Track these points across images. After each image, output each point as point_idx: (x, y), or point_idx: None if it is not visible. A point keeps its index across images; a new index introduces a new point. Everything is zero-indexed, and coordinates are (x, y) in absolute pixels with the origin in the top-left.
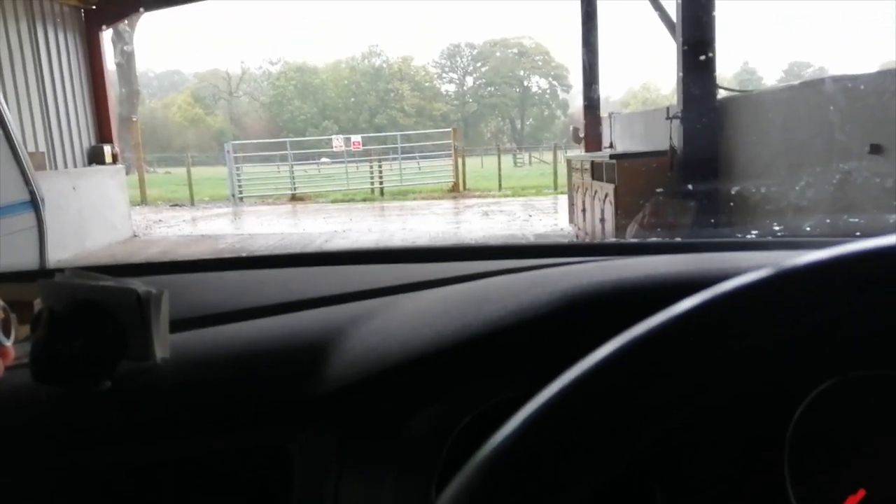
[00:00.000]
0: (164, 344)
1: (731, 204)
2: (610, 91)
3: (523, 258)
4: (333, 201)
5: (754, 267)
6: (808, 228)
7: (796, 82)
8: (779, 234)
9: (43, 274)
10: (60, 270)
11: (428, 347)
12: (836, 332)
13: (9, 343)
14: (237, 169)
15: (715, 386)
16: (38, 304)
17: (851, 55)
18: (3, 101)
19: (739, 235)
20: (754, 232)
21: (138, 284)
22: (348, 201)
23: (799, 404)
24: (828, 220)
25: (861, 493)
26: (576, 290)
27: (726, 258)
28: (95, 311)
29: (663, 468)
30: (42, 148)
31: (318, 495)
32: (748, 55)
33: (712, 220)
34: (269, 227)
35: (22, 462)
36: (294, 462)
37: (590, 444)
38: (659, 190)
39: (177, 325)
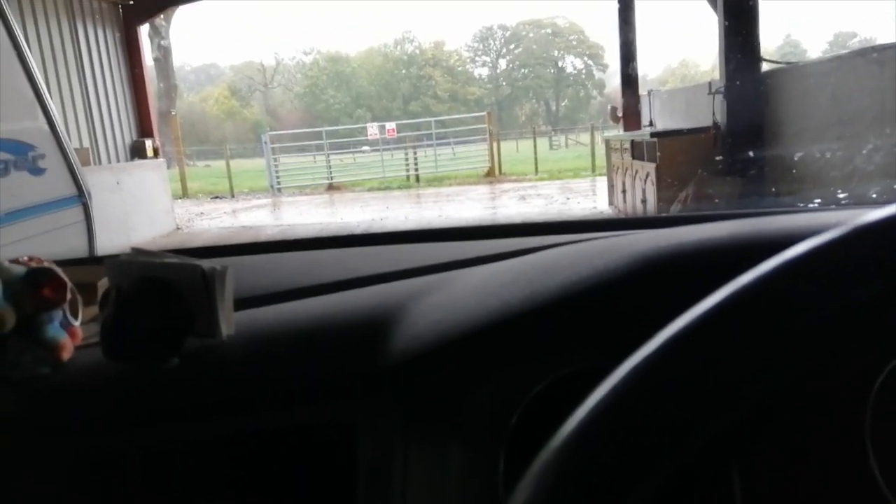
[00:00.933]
0: (229, 321)
1: (778, 178)
2: (647, 69)
3: (580, 232)
4: (370, 190)
5: (818, 227)
6: (857, 196)
7: (845, 52)
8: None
9: (108, 256)
10: (124, 253)
11: (494, 317)
12: None
13: (77, 323)
14: (274, 160)
15: (800, 354)
16: (101, 286)
17: None
18: (49, 99)
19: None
20: (802, 203)
21: (204, 262)
22: (384, 189)
23: (881, 372)
24: (878, 189)
25: None
26: (646, 256)
27: (786, 220)
28: (162, 289)
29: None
30: (86, 144)
31: (385, 469)
32: (791, 28)
33: (758, 196)
34: (308, 216)
35: (94, 439)
36: (360, 436)
37: (669, 428)
38: (701, 168)
39: (239, 304)
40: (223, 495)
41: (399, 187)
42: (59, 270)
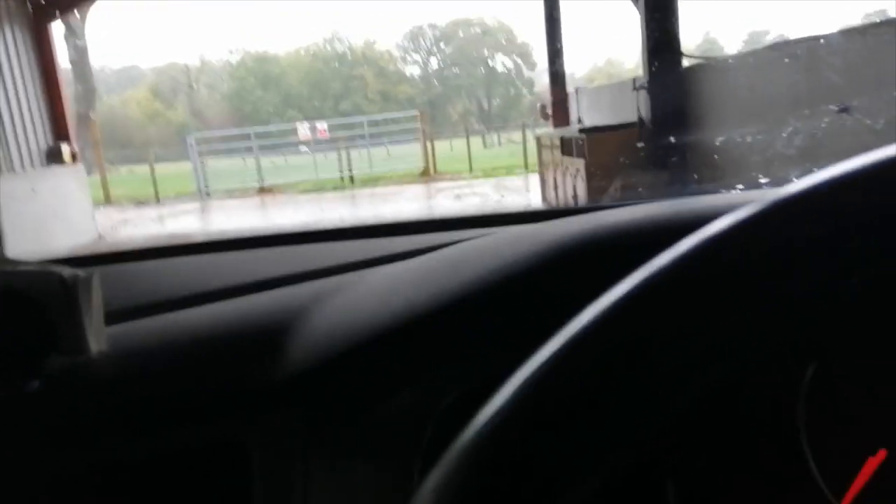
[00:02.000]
0: (99, 335)
1: (701, 166)
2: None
3: (490, 226)
4: (303, 192)
5: (734, 206)
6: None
7: (761, 47)
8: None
9: None
10: None
11: (399, 320)
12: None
13: None
14: (202, 163)
15: (720, 334)
16: None
17: (808, 21)
18: None
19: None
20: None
21: (64, 269)
22: (318, 191)
23: (813, 360)
24: (796, 172)
25: (882, 453)
26: (559, 243)
27: (705, 201)
28: (16, 300)
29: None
30: None
31: (283, 490)
32: (709, 26)
33: (683, 184)
34: (239, 221)
35: None
36: (254, 458)
37: (579, 423)
38: (629, 162)
39: (117, 316)
40: None
41: (334, 188)
42: None
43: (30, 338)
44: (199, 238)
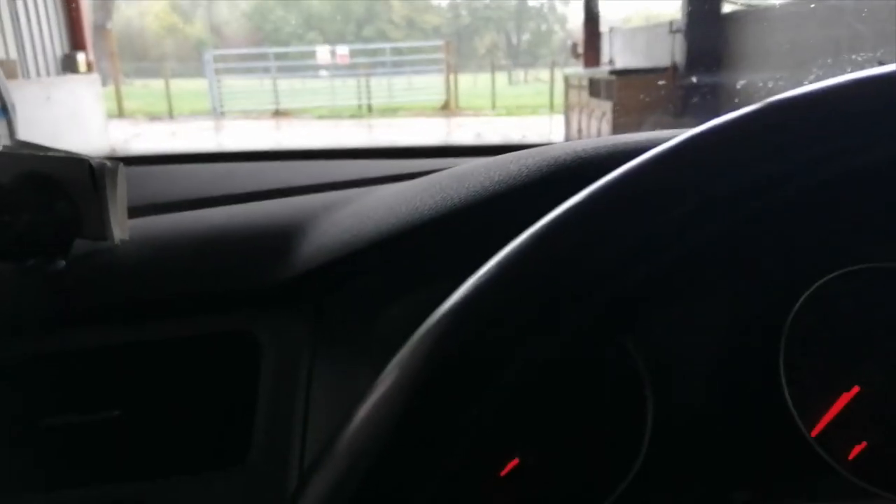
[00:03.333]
0: (122, 224)
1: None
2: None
3: (491, 155)
4: (319, 117)
5: None
6: None
7: None
8: None
9: None
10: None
11: (405, 224)
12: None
13: None
14: (218, 81)
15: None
16: None
17: None
18: None
19: None
20: None
21: (91, 157)
22: (334, 118)
23: (799, 297)
24: None
25: (855, 389)
26: (547, 165)
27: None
28: (45, 184)
29: (652, 354)
30: (13, 56)
31: (289, 384)
32: None
33: None
34: (252, 143)
35: None
36: (263, 349)
37: (554, 293)
38: (658, 108)
39: (138, 211)
40: (115, 406)
41: (351, 116)
42: None
43: (58, 220)
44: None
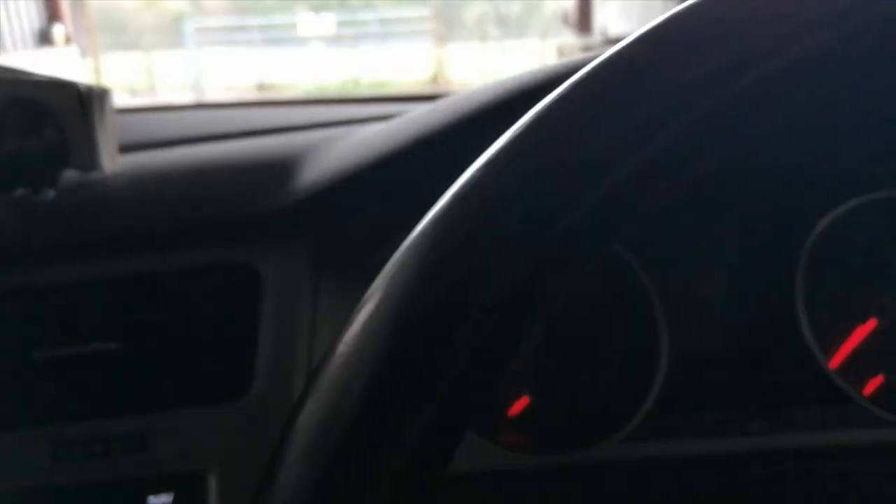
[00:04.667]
0: (112, 155)
1: None
2: None
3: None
4: (304, 92)
5: None
6: None
7: None
8: None
9: None
10: None
11: (406, 146)
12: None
13: None
14: (199, 53)
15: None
16: None
17: None
18: None
19: None
20: None
21: (80, 82)
22: (320, 90)
23: (815, 226)
24: None
25: (872, 321)
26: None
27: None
28: (32, 108)
29: (665, 285)
30: None
31: (291, 315)
32: None
33: None
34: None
35: None
36: (264, 279)
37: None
38: None
39: (131, 148)
40: (111, 337)
41: (338, 89)
42: None
43: (45, 147)
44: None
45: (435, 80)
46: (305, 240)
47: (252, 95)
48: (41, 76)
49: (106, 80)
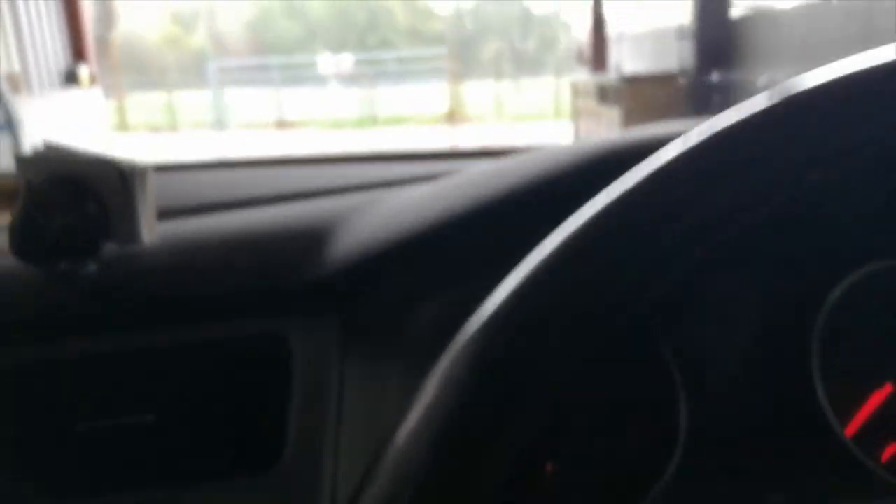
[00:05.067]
0: (151, 226)
1: None
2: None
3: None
4: (323, 128)
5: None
6: None
7: (814, 1)
8: None
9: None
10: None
11: (435, 226)
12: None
13: None
14: (221, 92)
15: (726, 223)
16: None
17: None
18: None
19: None
20: None
21: (121, 159)
22: (338, 128)
23: (831, 291)
24: None
25: (888, 387)
26: (596, 151)
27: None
28: (76, 186)
29: (683, 354)
30: (16, 69)
31: (320, 385)
32: None
33: None
34: (257, 154)
35: (5, 348)
36: (294, 351)
37: (593, 296)
38: (668, 115)
39: (166, 214)
40: (147, 409)
41: (355, 127)
42: None
43: (87, 223)
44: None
45: (451, 116)
46: (335, 310)
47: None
48: (85, 154)
49: (129, 119)
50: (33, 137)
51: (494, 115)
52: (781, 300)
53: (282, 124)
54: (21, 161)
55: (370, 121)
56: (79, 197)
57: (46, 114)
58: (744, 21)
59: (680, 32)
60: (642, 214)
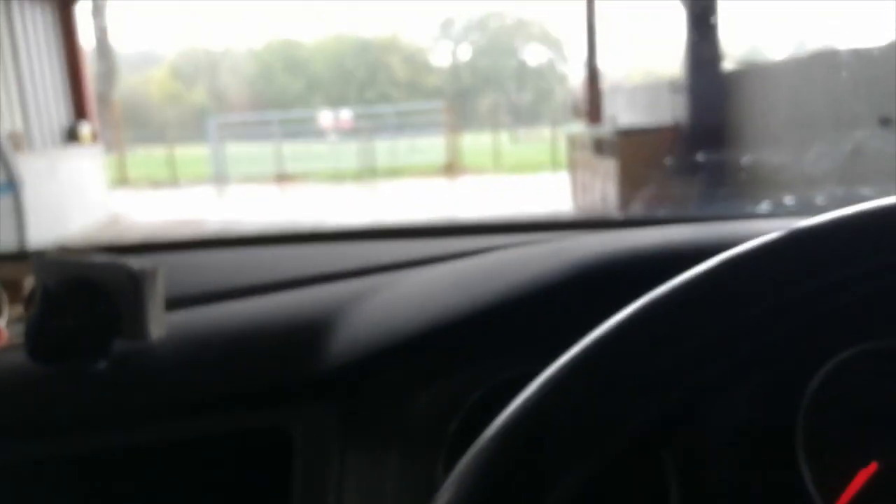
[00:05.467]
0: (159, 322)
1: (739, 177)
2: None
3: (527, 233)
4: (322, 181)
5: (767, 233)
6: (818, 201)
7: (804, 54)
8: (788, 205)
9: (35, 252)
10: (51, 249)
11: (435, 322)
12: (858, 295)
13: (2, 324)
14: (221, 147)
15: (730, 349)
16: (28, 284)
17: (861, 37)
18: None
19: (749, 209)
20: (764, 204)
21: (132, 262)
22: (338, 181)
23: (815, 373)
24: (838, 192)
25: (873, 466)
26: (586, 261)
27: (738, 227)
28: (89, 289)
29: (672, 436)
30: (19, 126)
31: (320, 477)
32: (755, 38)
33: (719, 195)
34: (257, 211)
35: (16, 444)
36: (295, 443)
37: (602, 415)
38: (663, 167)
39: (171, 304)
40: (151, 502)
41: (354, 179)
42: None
43: (99, 323)
44: (214, 225)
45: (449, 168)
46: (336, 402)
47: (272, 188)
48: (98, 260)
49: (130, 174)
50: (34, 196)
51: (492, 166)
52: (766, 383)
53: (282, 178)
54: (37, 263)
55: (369, 173)
56: (91, 299)
57: (47, 171)
58: (735, 74)
59: (673, 85)
60: (659, 332)
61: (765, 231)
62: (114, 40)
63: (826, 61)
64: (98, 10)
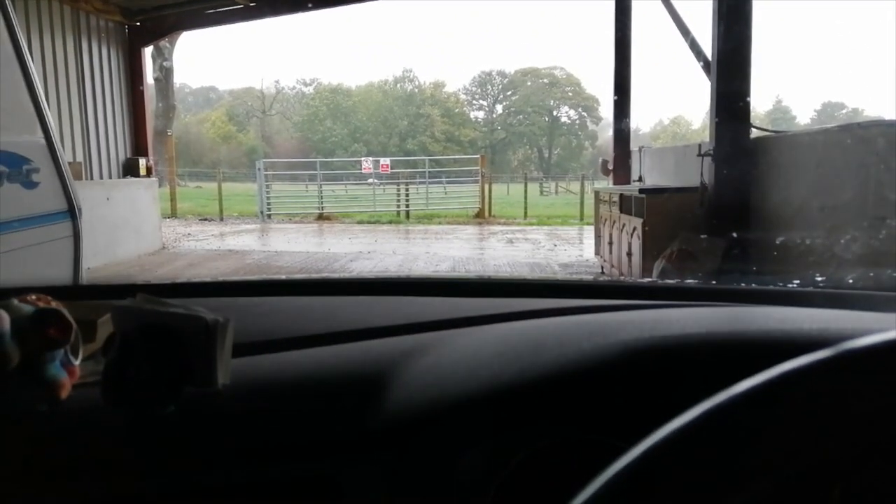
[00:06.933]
0: (225, 370)
1: (762, 245)
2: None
3: (576, 297)
4: (359, 222)
5: (805, 329)
6: (850, 281)
7: (833, 125)
8: (820, 285)
9: (113, 292)
10: (131, 292)
11: (483, 387)
12: None
13: (77, 362)
14: (267, 186)
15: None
16: (101, 324)
17: (886, 99)
18: (48, 113)
19: (775, 285)
20: (795, 282)
21: (205, 312)
22: (374, 223)
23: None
24: (871, 274)
25: None
26: (636, 342)
27: (765, 313)
28: (164, 337)
29: None
30: (80, 157)
31: None
32: (781, 92)
33: (742, 261)
34: (295, 244)
35: (83, 483)
36: (346, 494)
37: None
38: (687, 227)
39: (235, 350)
40: None
41: (389, 222)
42: (65, 312)
43: (172, 371)
44: (256, 256)
45: (480, 215)
46: (386, 457)
47: (312, 226)
48: (175, 308)
49: (179, 207)
50: (89, 221)
51: (521, 215)
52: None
53: (321, 217)
54: (116, 310)
55: (404, 217)
56: (167, 347)
57: (103, 199)
58: (761, 141)
59: (701, 149)
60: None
61: (804, 320)
62: (177, 76)
63: (855, 134)
64: (163, 51)
